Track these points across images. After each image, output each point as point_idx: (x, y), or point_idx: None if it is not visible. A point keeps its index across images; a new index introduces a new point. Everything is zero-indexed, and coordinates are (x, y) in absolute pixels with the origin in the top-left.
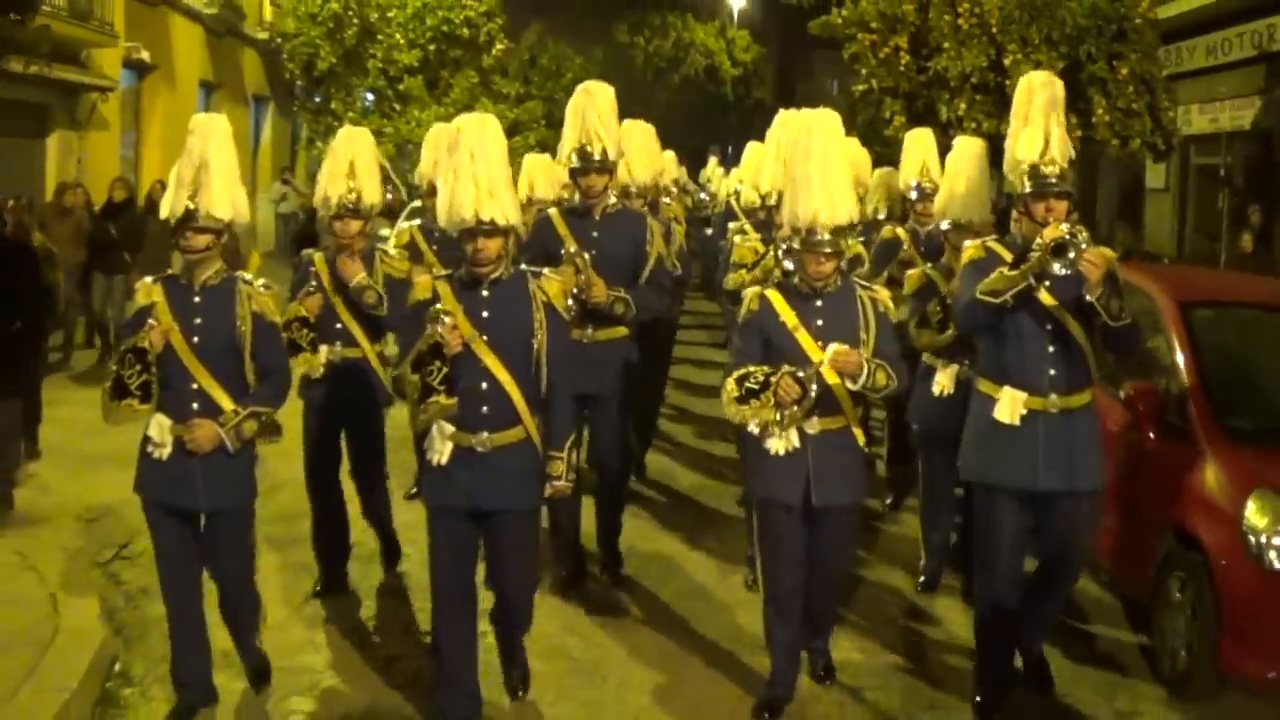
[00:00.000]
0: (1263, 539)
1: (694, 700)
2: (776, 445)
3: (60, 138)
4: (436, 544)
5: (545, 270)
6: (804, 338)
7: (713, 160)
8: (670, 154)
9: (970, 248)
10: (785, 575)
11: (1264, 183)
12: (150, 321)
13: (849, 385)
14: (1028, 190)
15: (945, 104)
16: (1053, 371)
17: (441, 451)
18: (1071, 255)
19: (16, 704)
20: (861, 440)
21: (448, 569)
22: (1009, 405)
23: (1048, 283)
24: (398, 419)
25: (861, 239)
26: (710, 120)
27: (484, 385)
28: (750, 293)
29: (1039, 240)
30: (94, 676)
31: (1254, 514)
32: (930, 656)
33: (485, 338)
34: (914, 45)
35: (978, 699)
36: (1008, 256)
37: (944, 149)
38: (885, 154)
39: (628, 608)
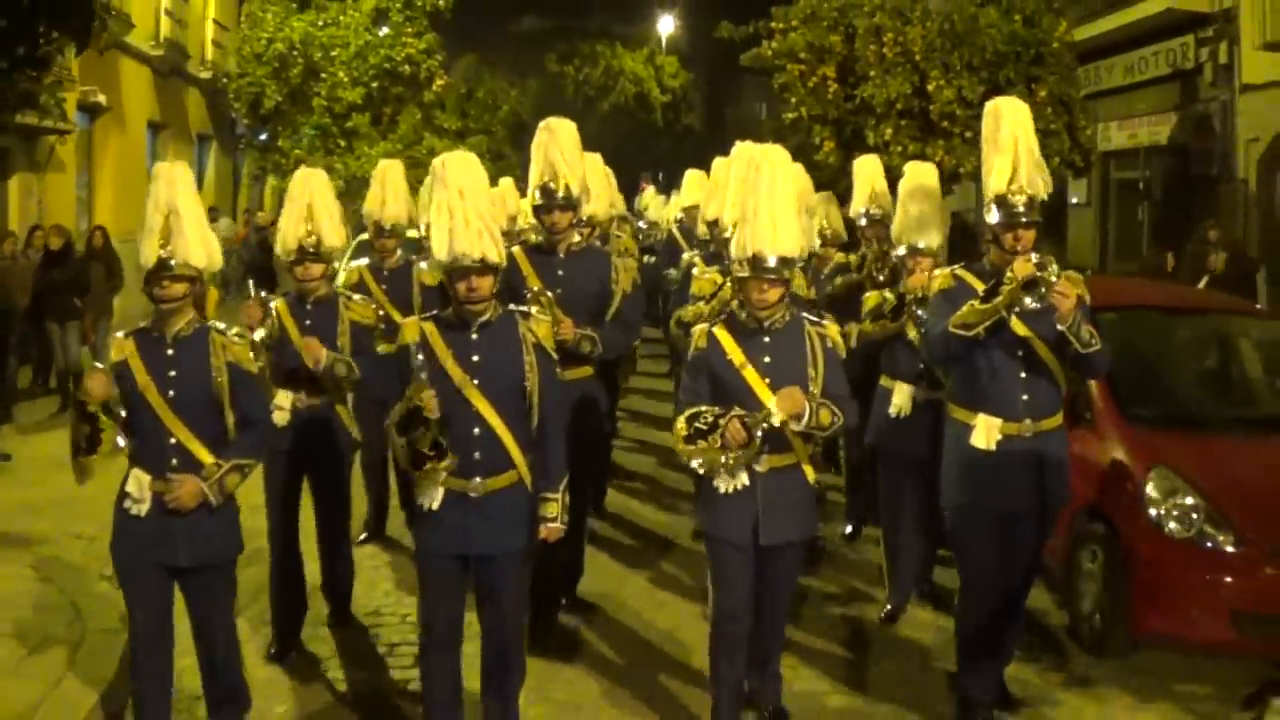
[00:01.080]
0: (1161, 510)
1: None
2: (725, 484)
3: (20, 180)
4: (427, 587)
5: (533, 310)
6: (751, 375)
7: (650, 189)
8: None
9: (940, 276)
10: (735, 612)
11: (1180, 196)
12: (92, 366)
13: (793, 426)
14: (996, 220)
15: (872, 129)
16: (1025, 397)
17: (433, 497)
18: (1042, 290)
19: (59, 695)
20: (811, 477)
21: (438, 612)
22: (985, 432)
23: (1018, 310)
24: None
25: (802, 266)
26: (642, 147)
27: (476, 430)
28: (698, 330)
29: (1009, 274)
30: (124, 674)
31: (1153, 489)
32: (896, 688)
33: (476, 382)
34: (841, 74)
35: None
36: (977, 285)
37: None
38: (816, 179)
39: (598, 649)
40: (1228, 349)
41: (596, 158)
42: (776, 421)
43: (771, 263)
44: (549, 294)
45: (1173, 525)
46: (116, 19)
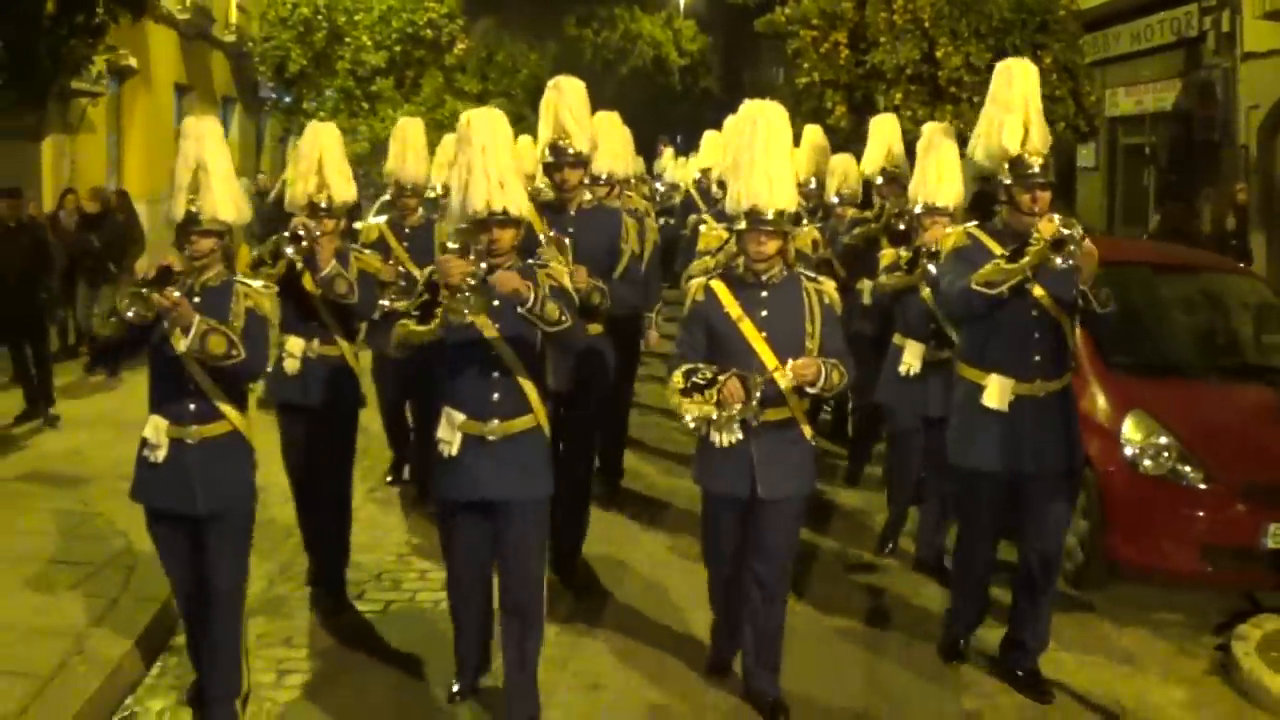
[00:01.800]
0: (1137, 450)
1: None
2: (720, 438)
3: (54, 141)
4: (449, 537)
5: (550, 261)
6: (748, 328)
7: (668, 150)
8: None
9: (953, 234)
10: (727, 567)
11: (1185, 161)
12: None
13: (808, 390)
14: (1011, 180)
15: (882, 94)
16: (1038, 357)
17: (451, 442)
18: (1071, 248)
19: (116, 612)
20: (808, 432)
21: (462, 561)
22: (998, 391)
23: (1036, 272)
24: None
25: (820, 225)
26: (659, 110)
27: (494, 374)
28: (696, 284)
29: (1036, 234)
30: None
31: (1130, 430)
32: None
33: (497, 326)
34: (853, 40)
35: (951, 638)
36: (991, 244)
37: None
38: (830, 143)
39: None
40: (1207, 304)
41: (614, 116)
42: (785, 385)
43: (769, 215)
44: (565, 240)
45: (1147, 463)
46: None
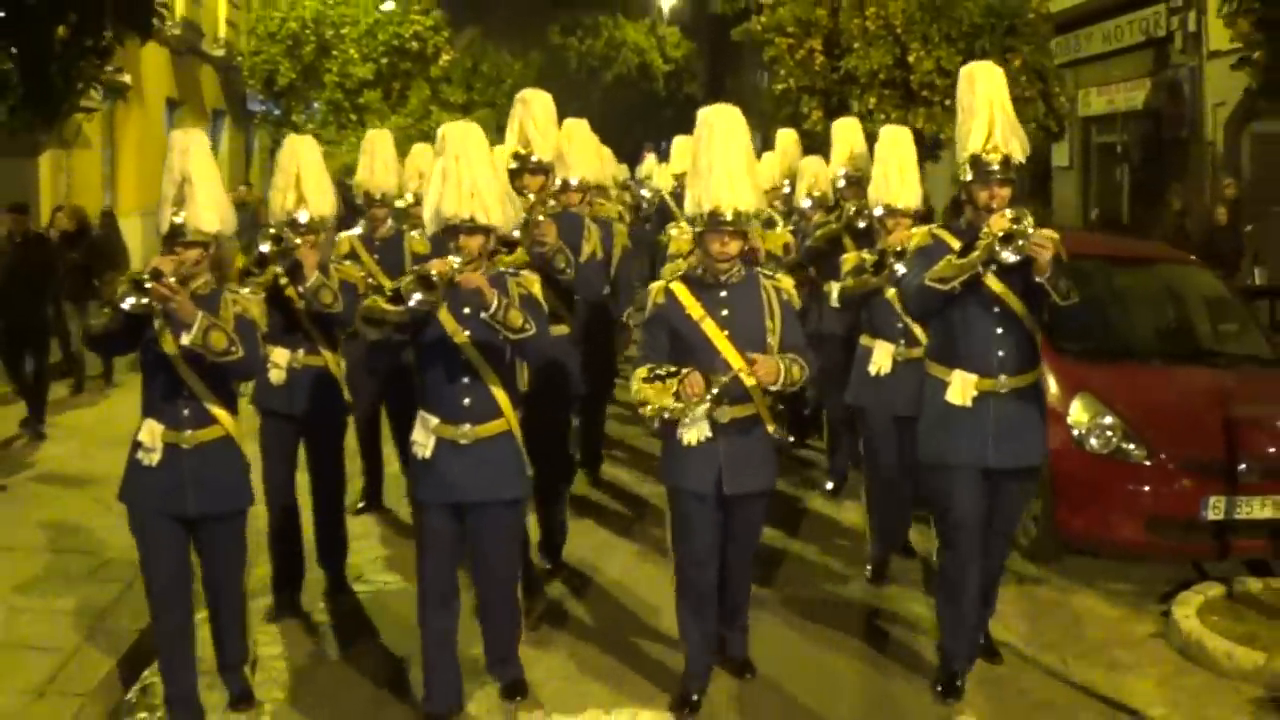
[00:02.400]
0: (1084, 430)
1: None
2: (689, 436)
3: (51, 157)
4: (423, 538)
5: (521, 271)
6: (710, 327)
7: (650, 157)
8: (607, 151)
9: (917, 234)
10: (699, 565)
11: (1155, 158)
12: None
13: (771, 388)
14: (971, 178)
15: (857, 99)
16: (1001, 353)
17: (425, 445)
18: (1020, 243)
19: (131, 594)
20: (771, 428)
21: (434, 564)
22: (960, 388)
23: (994, 267)
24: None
25: (791, 229)
26: (645, 117)
27: (465, 379)
28: (656, 287)
29: (986, 228)
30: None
31: (1078, 412)
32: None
33: (468, 333)
34: (827, 47)
35: (942, 670)
36: (954, 242)
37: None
38: (806, 147)
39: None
40: (1156, 294)
41: (582, 124)
42: (750, 384)
43: (728, 216)
44: (541, 208)
45: (1093, 442)
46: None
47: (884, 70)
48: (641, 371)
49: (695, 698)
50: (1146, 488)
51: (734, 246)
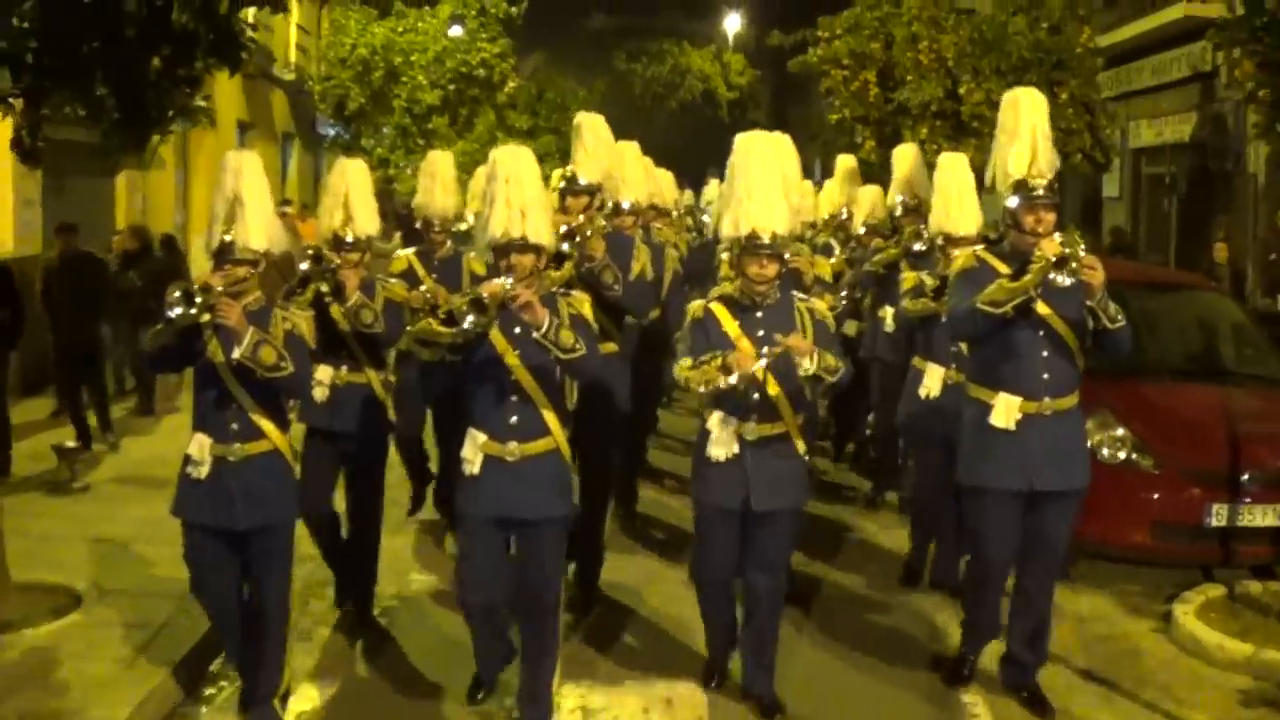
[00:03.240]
0: (1097, 441)
1: None
2: (717, 451)
3: (127, 177)
4: (468, 554)
5: (573, 292)
6: (745, 346)
7: (714, 182)
8: (668, 175)
9: (961, 256)
10: (715, 575)
11: (1201, 190)
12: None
13: (805, 367)
14: (1016, 203)
15: (909, 130)
16: (1046, 376)
17: (473, 461)
18: (1073, 266)
19: None
20: (801, 448)
21: (480, 578)
22: (1005, 410)
23: (1040, 291)
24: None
25: (846, 257)
26: (709, 143)
27: (514, 397)
28: (695, 305)
29: (1038, 253)
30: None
31: (1092, 425)
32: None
33: (518, 353)
34: (881, 78)
35: (958, 666)
36: (999, 265)
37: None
38: (860, 175)
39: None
40: (1173, 316)
41: (633, 146)
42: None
43: (765, 239)
44: (593, 221)
45: (1105, 452)
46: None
47: (935, 102)
48: (686, 361)
49: (718, 673)
50: (1154, 495)
51: (771, 269)
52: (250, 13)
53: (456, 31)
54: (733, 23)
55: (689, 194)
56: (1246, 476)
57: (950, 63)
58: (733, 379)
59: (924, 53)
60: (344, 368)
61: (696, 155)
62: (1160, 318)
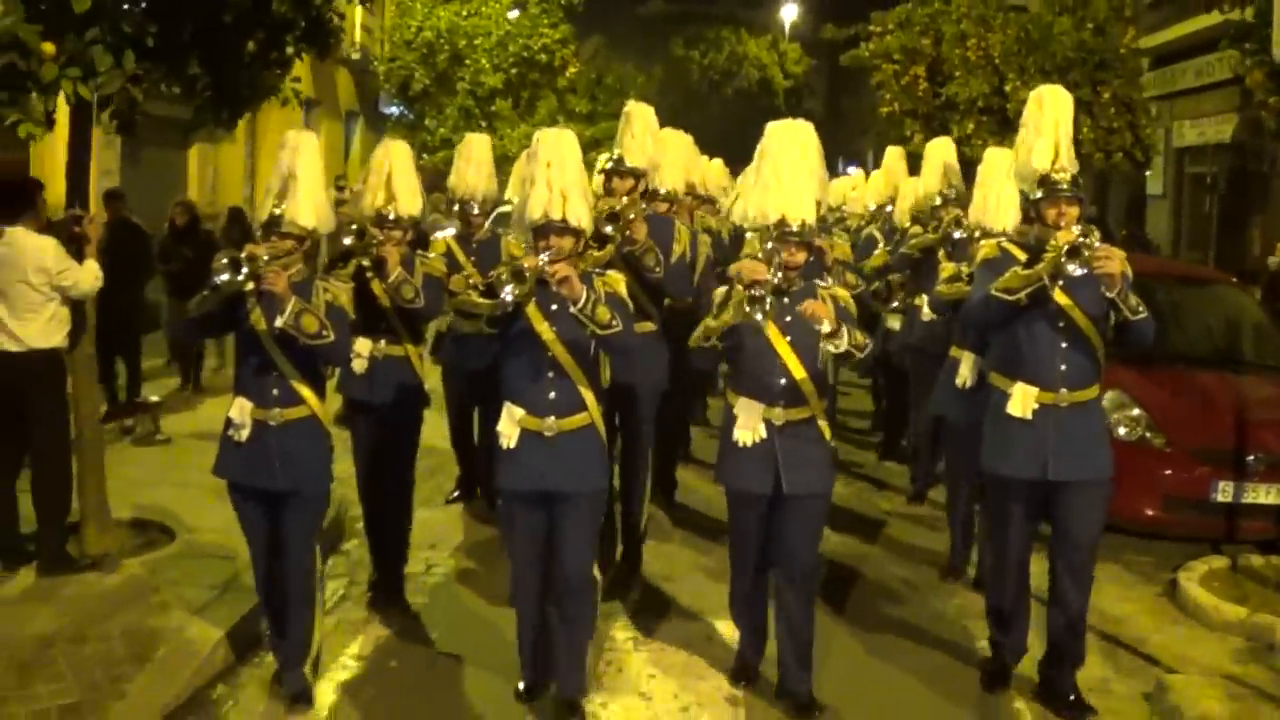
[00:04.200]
0: (1113, 419)
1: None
2: (744, 436)
3: (200, 150)
4: (510, 528)
5: (608, 271)
6: (772, 330)
7: None
8: (719, 163)
9: (985, 247)
10: (750, 563)
11: (1241, 190)
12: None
13: (832, 341)
14: (1040, 196)
15: (956, 124)
16: (1064, 367)
17: (510, 435)
18: (1086, 255)
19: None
20: (827, 433)
21: (523, 553)
22: (1021, 399)
23: (1061, 282)
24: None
25: (889, 248)
26: (763, 130)
27: (550, 373)
28: (719, 291)
29: (1053, 242)
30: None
31: (1109, 404)
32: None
33: (554, 328)
34: (930, 74)
35: (991, 661)
36: (1021, 256)
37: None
38: (910, 167)
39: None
40: (1191, 308)
41: (679, 135)
42: (808, 390)
43: (795, 227)
44: (634, 207)
45: (1121, 430)
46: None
47: (982, 98)
48: (706, 321)
49: (748, 674)
50: (1165, 471)
51: (801, 256)
52: (340, 2)
53: (514, 14)
54: (789, 12)
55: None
56: (1252, 457)
57: (997, 60)
58: (760, 277)
59: (972, 50)
60: (383, 341)
61: (752, 143)
62: (1178, 309)
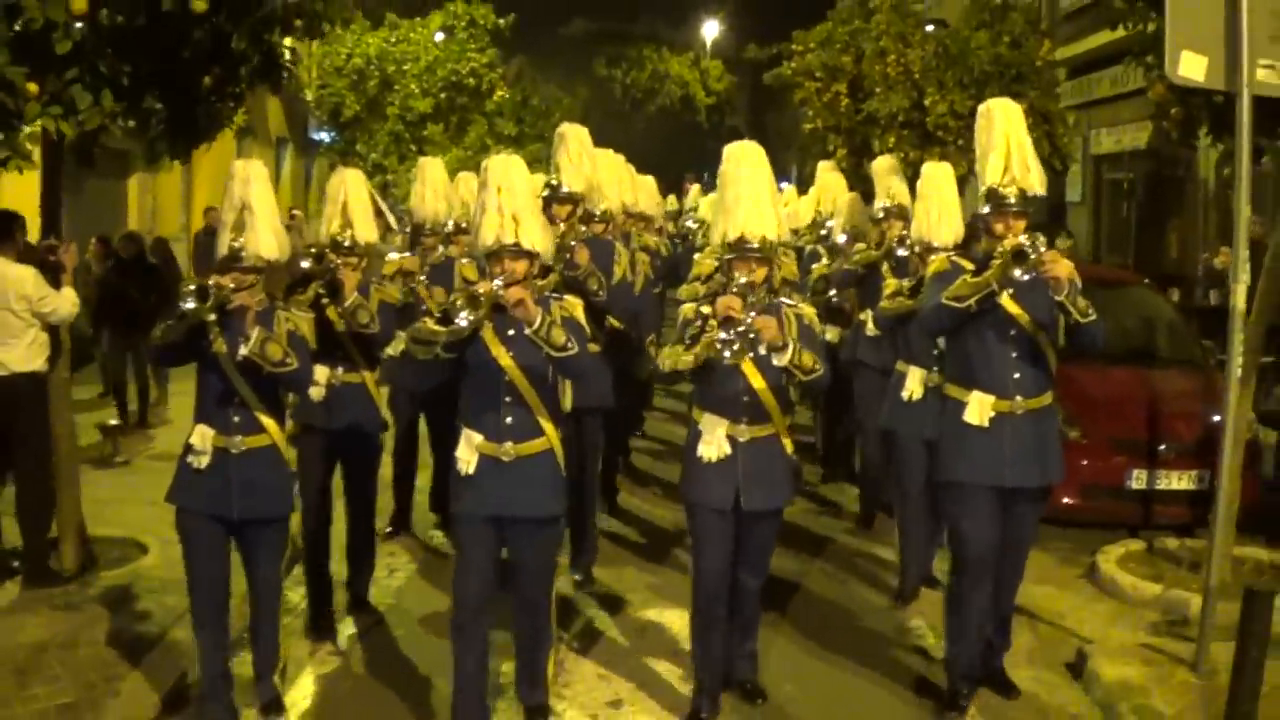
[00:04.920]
0: None
1: None
2: (708, 452)
3: (139, 179)
4: (461, 554)
5: (565, 297)
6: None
7: (696, 187)
8: (651, 181)
9: (936, 261)
10: (713, 579)
11: (1157, 195)
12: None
13: (777, 359)
14: (988, 210)
15: (878, 138)
16: (1017, 375)
17: (469, 461)
18: (1032, 257)
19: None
20: (789, 448)
21: (470, 576)
22: (978, 408)
23: (1011, 291)
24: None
25: (828, 262)
26: (687, 148)
27: (508, 399)
28: (687, 307)
29: (1000, 248)
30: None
31: None
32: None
33: (511, 353)
34: (852, 90)
35: (951, 687)
36: (969, 267)
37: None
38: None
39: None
40: (1105, 308)
41: (609, 155)
42: (769, 403)
43: (754, 243)
44: (573, 233)
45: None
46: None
47: (902, 113)
48: (677, 348)
49: (704, 716)
50: (1082, 461)
51: (760, 273)
52: (290, 39)
53: (440, 37)
54: (711, 29)
55: (672, 199)
56: (1164, 446)
57: (916, 75)
58: (736, 315)
59: (892, 66)
60: (340, 368)
61: (675, 160)
62: (1095, 310)
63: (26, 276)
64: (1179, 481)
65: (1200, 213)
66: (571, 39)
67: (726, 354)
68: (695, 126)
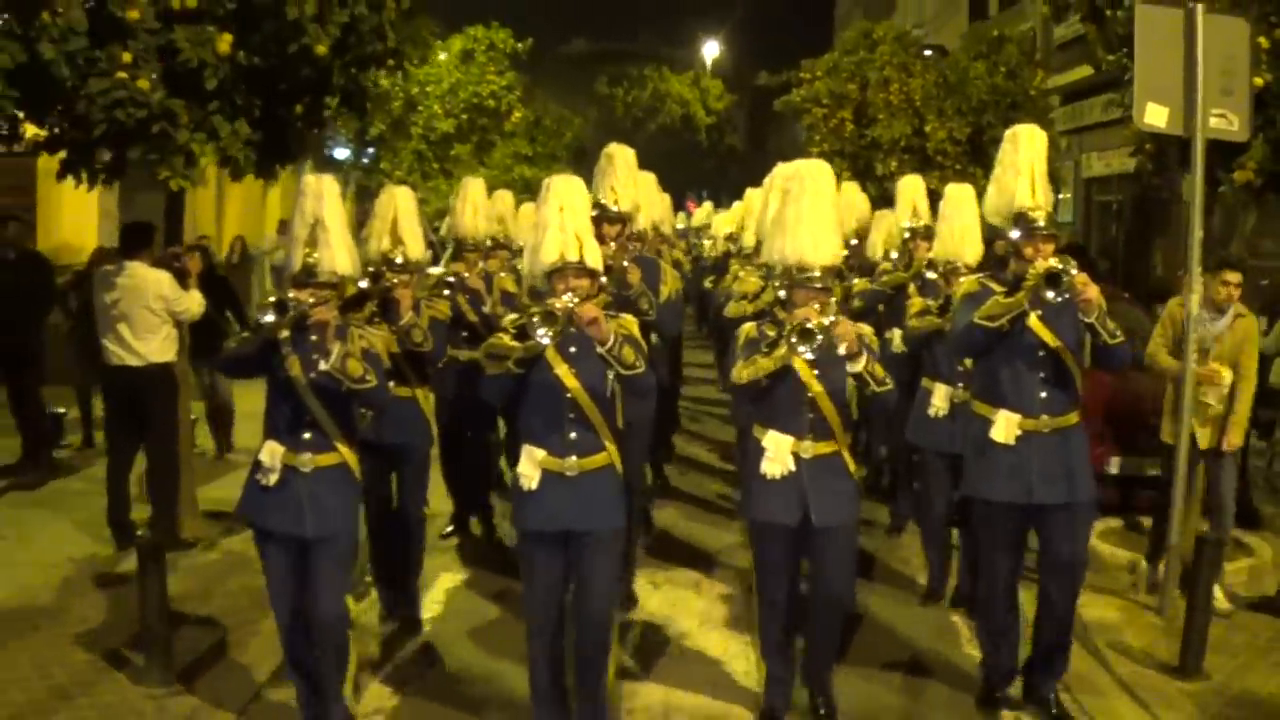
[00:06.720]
0: None
1: None
2: (773, 469)
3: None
4: (528, 569)
5: (622, 315)
6: (800, 364)
7: (708, 205)
8: (667, 198)
9: (966, 282)
10: (780, 596)
11: (1145, 216)
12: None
13: (851, 365)
14: (1018, 235)
15: (880, 162)
16: (1044, 394)
17: (531, 476)
18: (1065, 280)
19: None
20: (851, 466)
21: (539, 594)
22: (1004, 427)
23: (1039, 312)
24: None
25: (869, 279)
26: (687, 166)
27: (571, 415)
28: (748, 327)
29: (1032, 270)
30: None
31: None
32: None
33: (574, 371)
34: (856, 117)
35: (983, 683)
36: (998, 289)
37: (876, 200)
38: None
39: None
40: None
41: (650, 177)
42: (834, 422)
43: (816, 273)
44: (624, 253)
45: None
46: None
47: (904, 138)
48: (755, 357)
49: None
50: None
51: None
52: (379, 73)
53: (442, 57)
54: (711, 49)
55: (682, 216)
56: (1139, 438)
57: (918, 103)
58: (809, 324)
59: (894, 94)
60: (391, 383)
61: (676, 178)
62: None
63: (164, 279)
64: (1152, 469)
65: (1183, 233)
66: (573, 58)
67: (804, 349)
68: (695, 145)
